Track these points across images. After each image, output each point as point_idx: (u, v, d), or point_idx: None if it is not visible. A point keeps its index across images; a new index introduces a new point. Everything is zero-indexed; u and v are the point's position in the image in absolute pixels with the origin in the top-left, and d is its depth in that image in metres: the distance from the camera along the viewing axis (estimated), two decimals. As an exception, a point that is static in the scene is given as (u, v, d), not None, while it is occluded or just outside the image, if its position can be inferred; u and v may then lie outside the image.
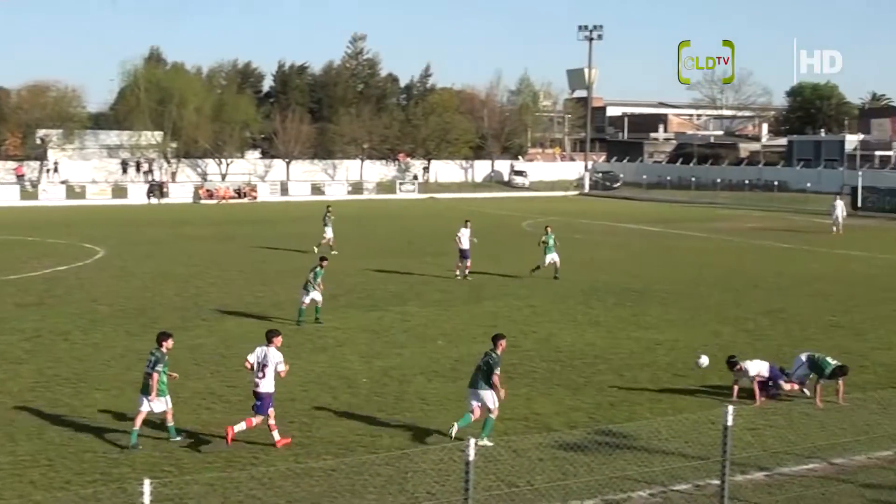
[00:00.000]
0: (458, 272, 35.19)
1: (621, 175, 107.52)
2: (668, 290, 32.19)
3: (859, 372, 21.24)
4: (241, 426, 15.64)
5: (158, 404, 15.86)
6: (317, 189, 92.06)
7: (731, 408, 11.69)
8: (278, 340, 16.34)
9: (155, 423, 16.16)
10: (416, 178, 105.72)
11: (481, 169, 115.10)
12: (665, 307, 29.31)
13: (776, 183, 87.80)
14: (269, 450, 15.55)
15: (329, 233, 43.45)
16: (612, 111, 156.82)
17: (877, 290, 33.42)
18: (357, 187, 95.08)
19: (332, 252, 41.37)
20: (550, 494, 13.56)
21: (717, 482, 12.17)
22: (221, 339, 24.23)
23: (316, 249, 41.32)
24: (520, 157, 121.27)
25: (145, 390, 15.88)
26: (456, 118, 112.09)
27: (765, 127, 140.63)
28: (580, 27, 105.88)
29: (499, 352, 16.07)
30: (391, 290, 32.66)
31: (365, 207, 76.83)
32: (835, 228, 54.87)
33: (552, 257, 34.93)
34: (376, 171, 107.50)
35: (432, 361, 21.28)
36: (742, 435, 15.55)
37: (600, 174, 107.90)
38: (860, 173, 75.11)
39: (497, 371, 15.78)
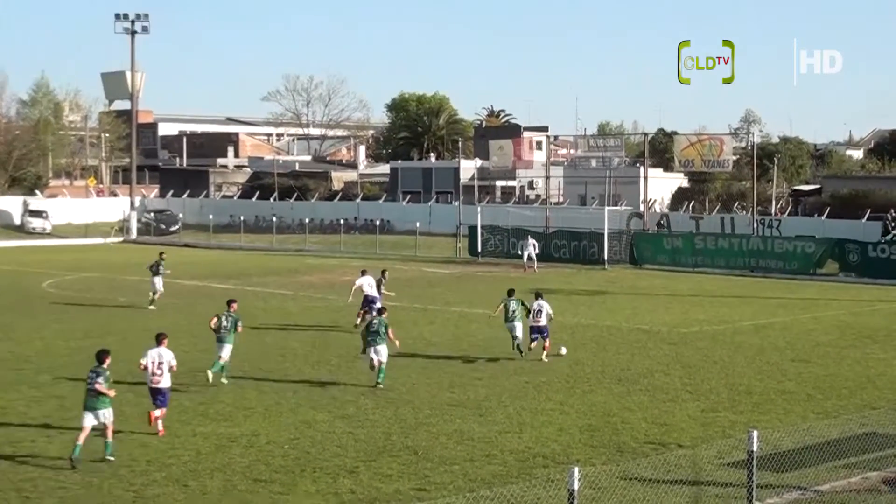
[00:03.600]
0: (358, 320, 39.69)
1: (180, 215, 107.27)
2: (242, 369, 32.19)
3: (485, 463, 22.23)
4: (158, 423, 23.91)
5: (108, 414, 22.12)
6: None
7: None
8: (166, 341, 24.71)
9: None
10: None
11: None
12: (241, 390, 29.27)
13: (378, 223, 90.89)
14: None
15: (159, 285, 46.98)
16: (165, 129, 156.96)
17: (502, 355, 35.16)
18: None
19: (151, 307, 45.89)
20: None
21: None
22: None
23: (152, 306, 45.93)
24: (37, 191, 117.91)
25: (91, 406, 21.97)
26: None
27: (362, 150, 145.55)
28: (118, 16, 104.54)
29: None
30: None
31: None
32: (528, 268, 67.43)
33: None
34: None
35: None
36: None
37: (153, 214, 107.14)
38: (479, 209, 79.11)
39: None
